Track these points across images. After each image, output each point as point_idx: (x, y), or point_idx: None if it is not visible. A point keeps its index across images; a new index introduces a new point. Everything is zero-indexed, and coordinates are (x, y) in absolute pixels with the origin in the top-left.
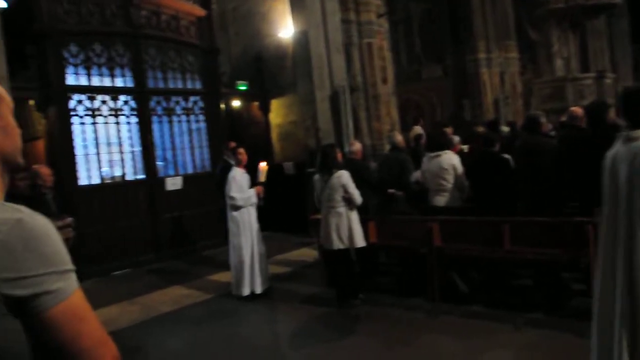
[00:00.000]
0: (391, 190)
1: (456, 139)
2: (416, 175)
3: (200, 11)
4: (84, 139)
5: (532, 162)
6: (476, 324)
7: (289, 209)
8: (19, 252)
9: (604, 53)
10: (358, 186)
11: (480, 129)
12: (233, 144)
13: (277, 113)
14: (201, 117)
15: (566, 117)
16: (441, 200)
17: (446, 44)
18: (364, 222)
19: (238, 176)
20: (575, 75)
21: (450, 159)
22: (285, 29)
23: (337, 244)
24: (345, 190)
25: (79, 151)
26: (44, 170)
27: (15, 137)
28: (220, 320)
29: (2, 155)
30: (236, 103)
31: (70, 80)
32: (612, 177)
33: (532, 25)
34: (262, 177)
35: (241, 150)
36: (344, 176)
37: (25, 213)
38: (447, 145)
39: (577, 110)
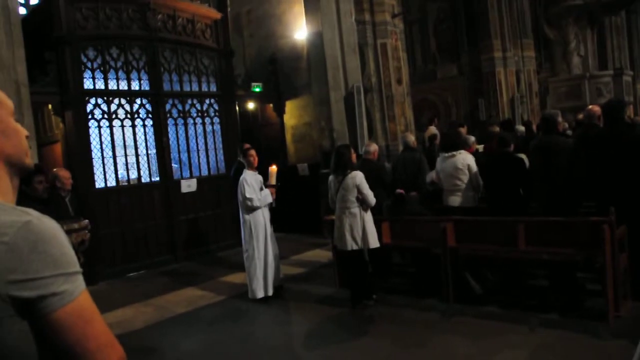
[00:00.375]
0: (399, 191)
1: (471, 138)
2: (431, 175)
3: (215, 14)
4: (101, 142)
5: (547, 162)
6: (490, 325)
7: (303, 210)
8: (26, 254)
9: (622, 50)
10: (373, 187)
11: (496, 128)
12: (247, 146)
13: (292, 114)
14: (216, 120)
15: (583, 115)
16: (455, 200)
17: (461, 43)
18: (377, 223)
19: (249, 178)
20: (592, 73)
21: (465, 159)
22: (299, 30)
23: (351, 245)
24: (359, 191)
25: (95, 154)
26: (63, 174)
27: (17, 139)
28: (234, 321)
29: (4, 158)
30: (251, 105)
31: (88, 84)
32: None
33: (548, 23)
34: (272, 180)
35: (252, 152)
36: (358, 177)
37: (33, 216)
38: (462, 145)
39: (595, 108)
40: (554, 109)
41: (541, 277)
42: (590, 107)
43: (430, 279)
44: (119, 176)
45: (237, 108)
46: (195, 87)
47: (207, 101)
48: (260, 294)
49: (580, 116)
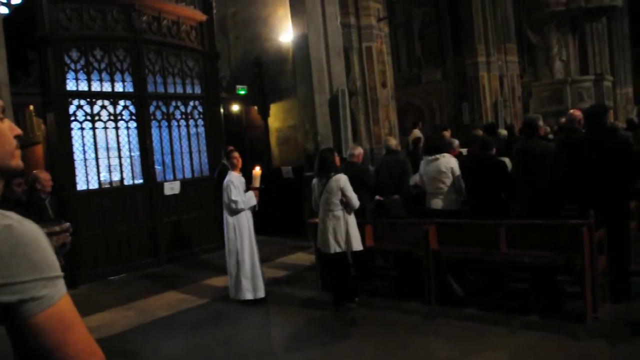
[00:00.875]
0: (378, 198)
1: (455, 142)
2: (415, 178)
3: (201, 16)
4: (83, 144)
5: (529, 166)
6: (472, 327)
7: (287, 213)
8: (6, 258)
9: (603, 55)
10: (357, 190)
11: (479, 132)
12: (231, 148)
13: (276, 117)
14: (200, 122)
15: (565, 120)
16: (438, 203)
17: (446, 47)
18: (361, 226)
19: (235, 180)
20: (574, 78)
21: (448, 162)
22: (285, 33)
23: (334, 248)
24: (343, 194)
25: (77, 156)
26: (44, 176)
27: (1, 140)
28: (216, 325)
29: None
30: (235, 107)
31: (71, 85)
32: None
33: (531, 28)
34: (256, 183)
35: (236, 154)
36: (341, 180)
37: (14, 219)
38: (445, 148)
39: (576, 113)
40: (537, 113)
41: (522, 279)
42: (571, 111)
43: (412, 281)
44: (102, 178)
45: (221, 110)
46: (179, 89)
47: (192, 103)
48: (243, 296)
49: (562, 120)
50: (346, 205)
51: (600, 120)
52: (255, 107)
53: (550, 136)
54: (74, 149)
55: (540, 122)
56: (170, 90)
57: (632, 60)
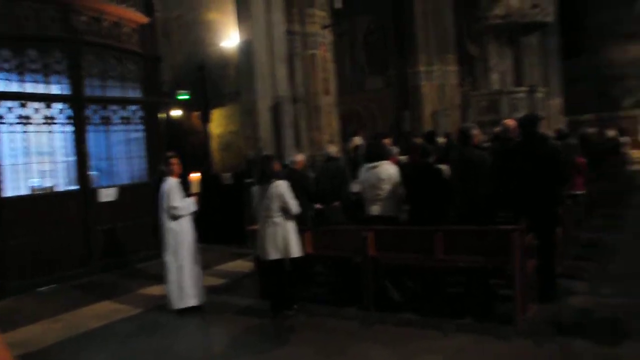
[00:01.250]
0: (317, 206)
1: (395, 149)
2: (355, 185)
3: (143, 18)
4: (13, 148)
5: (465, 173)
6: (409, 332)
7: (227, 220)
8: None
9: (536, 68)
10: (297, 196)
11: (418, 140)
12: (170, 154)
13: (218, 123)
14: (140, 127)
15: (499, 129)
16: (378, 209)
17: (389, 56)
18: (300, 232)
19: (175, 186)
20: (509, 89)
21: (388, 169)
22: (229, 38)
23: (273, 254)
24: (283, 200)
25: (7, 160)
26: None
27: None
28: (152, 335)
29: None
30: (177, 112)
31: (2, 86)
32: None
33: (471, 40)
34: (194, 189)
35: (174, 160)
36: (281, 186)
37: None
38: (385, 155)
39: (510, 122)
40: (475, 122)
41: (458, 284)
42: (505, 121)
43: (351, 288)
44: (33, 184)
45: (162, 115)
46: (119, 93)
47: (131, 108)
48: (181, 304)
49: (497, 129)
50: (286, 211)
51: (532, 130)
52: (197, 113)
53: (486, 144)
54: (4, 153)
55: (475, 131)
56: (110, 93)
57: (562, 73)
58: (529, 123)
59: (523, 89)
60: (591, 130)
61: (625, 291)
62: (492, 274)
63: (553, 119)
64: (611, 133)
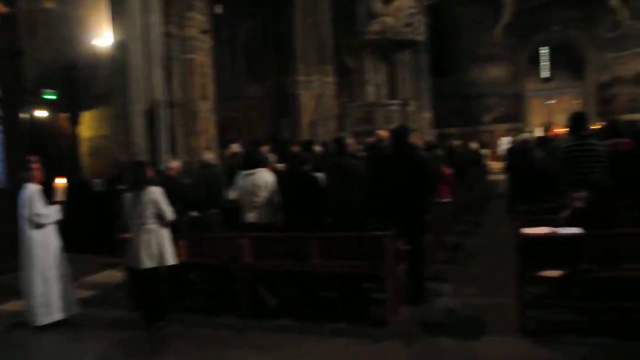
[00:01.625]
0: (193, 214)
1: (273, 157)
2: (231, 192)
3: (1, 7)
4: None
5: (340, 181)
6: (285, 337)
7: (97, 228)
8: None
9: (408, 83)
10: (173, 203)
11: (296, 148)
12: (31, 158)
13: (89, 126)
14: None
15: (373, 139)
16: (254, 216)
17: (269, 64)
18: (175, 240)
19: (37, 192)
20: (384, 102)
21: (264, 177)
22: (102, 37)
23: (146, 262)
24: (157, 207)
25: None
26: None
27: None
28: (9, 355)
29: None
30: (42, 113)
31: None
32: None
33: (349, 53)
34: (59, 196)
35: (35, 165)
36: (155, 192)
37: None
38: (262, 163)
39: (383, 133)
40: (351, 132)
41: (333, 288)
42: (379, 131)
43: (227, 295)
44: None
45: (25, 115)
46: None
47: None
48: (50, 319)
49: (371, 139)
50: (160, 218)
51: (403, 140)
52: (65, 115)
53: (360, 154)
54: None
55: (350, 140)
56: None
57: (432, 89)
58: (400, 134)
59: (396, 102)
60: (456, 142)
61: (484, 291)
62: (366, 278)
63: (424, 131)
64: (474, 145)
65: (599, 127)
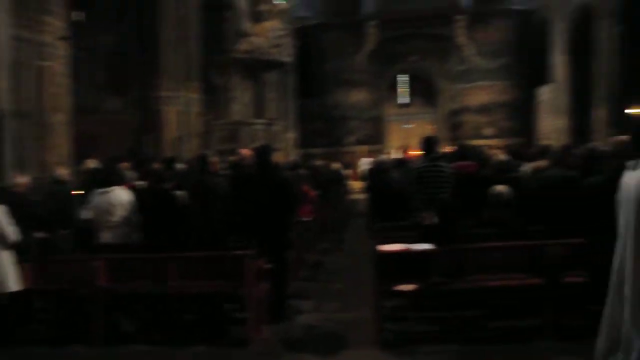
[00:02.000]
0: (41, 235)
1: (133, 175)
2: (86, 211)
3: None
4: None
5: (203, 199)
6: None
7: None
8: None
9: (275, 103)
10: (18, 222)
11: (157, 165)
12: None
13: None
14: None
15: (236, 157)
16: (109, 237)
17: (132, 77)
18: (19, 263)
19: None
20: (249, 121)
21: (120, 195)
22: None
23: None
24: None
25: None
26: None
27: None
28: None
29: None
30: None
31: None
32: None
33: (216, 70)
34: None
35: None
36: None
37: None
38: (119, 180)
39: (246, 151)
40: (215, 150)
41: (194, 310)
42: (241, 150)
43: (78, 323)
44: None
45: None
46: None
47: None
48: None
49: (234, 158)
50: (2, 240)
51: (266, 159)
52: None
53: (225, 172)
54: None
55: (214, 158)
56: None
57: (298, 109)
58: (263, 153)
59: (262, 121)
60: (320, 162)
61: (345, 306)
62: (227, 298)
63: (289, 151)
64: (336, 166)
65: (450, 150)
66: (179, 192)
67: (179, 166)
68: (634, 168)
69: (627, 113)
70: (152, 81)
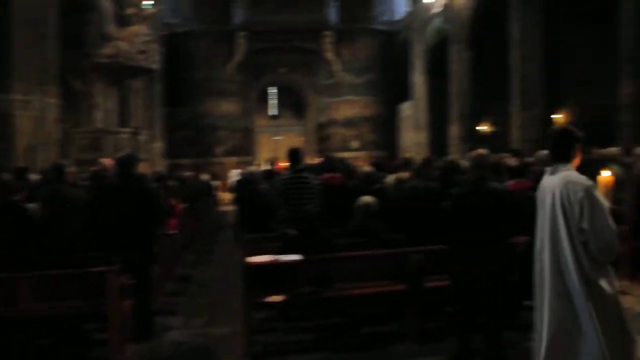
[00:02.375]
0: None
1: None
2: None
3: None
4: None
5: (57, 211)
6: None
7: None
8: None
9: (141, 111)
10: None
11: (6, 175)
12: None
13: None
14: None
15: (97, 167)
16: None
17: None
18: None
19: None
20: (114, 129)
21: None
22: None
23: None
24: None
25: None
26: None
27: None
28: None
29: None
30: None
31: None
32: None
33: (76, 75)
34: None
35: None
36: None
37: None
38: None
39: (107, 161)
40: (76, 159)
41: (50, 333)
42: (102, 159)
43: None
44: None
45: None
46: None
47: None
48: None
49: (95, 168)
50: None
51: (129, 170)
52: None
53: (85, 183)
54: None
55: (71, 168)
56: None
57: (165, 119)
58: (127, 163)
59: (127, 130)
60: (188, 173)
61: (214, 320)
62: (88, 318)
63: (155, 161)
64: (205, 177)
65: (318, 162)
66: (31, 205)
67: (33, 177)
68: (552, 173)
69: (477, 129)
70: (2, 83)
